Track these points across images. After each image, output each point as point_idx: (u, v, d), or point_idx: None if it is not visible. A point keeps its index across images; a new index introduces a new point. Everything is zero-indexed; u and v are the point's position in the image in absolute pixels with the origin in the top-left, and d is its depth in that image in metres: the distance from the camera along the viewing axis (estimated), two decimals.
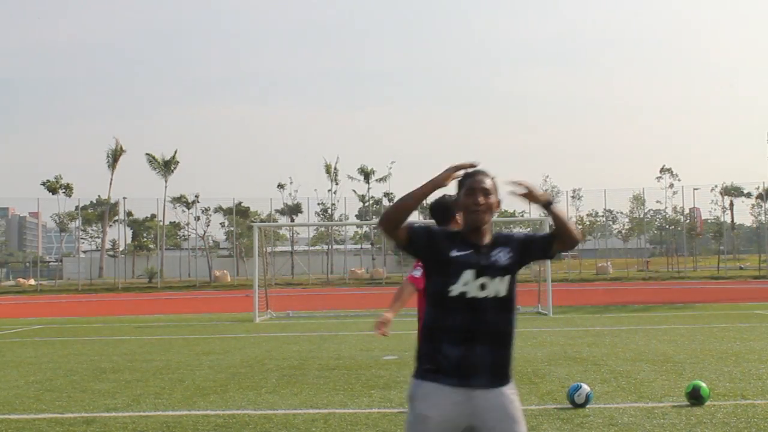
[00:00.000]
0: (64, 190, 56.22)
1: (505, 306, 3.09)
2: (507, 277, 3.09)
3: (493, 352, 3.05)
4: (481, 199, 3.09)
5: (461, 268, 3.04)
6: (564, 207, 73.27)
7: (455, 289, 3.03)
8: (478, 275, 3.04)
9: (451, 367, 3.00)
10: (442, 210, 5.07)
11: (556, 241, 3.17)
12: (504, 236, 3.21)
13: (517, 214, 56.61)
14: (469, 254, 3.06)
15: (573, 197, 55.61)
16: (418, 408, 3.02)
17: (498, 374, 3.06)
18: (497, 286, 3.06)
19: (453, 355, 3.00)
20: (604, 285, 40.41)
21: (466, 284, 3.03)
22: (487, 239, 3.14)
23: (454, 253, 3.07)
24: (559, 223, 3.13)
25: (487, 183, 3.13)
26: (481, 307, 3.03)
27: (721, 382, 8.16)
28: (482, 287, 3.04)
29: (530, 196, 3.11)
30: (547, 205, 3.14)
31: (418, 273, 4.93)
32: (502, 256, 3.12)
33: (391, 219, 3.04)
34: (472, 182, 3.12)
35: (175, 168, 58.96)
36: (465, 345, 3.01)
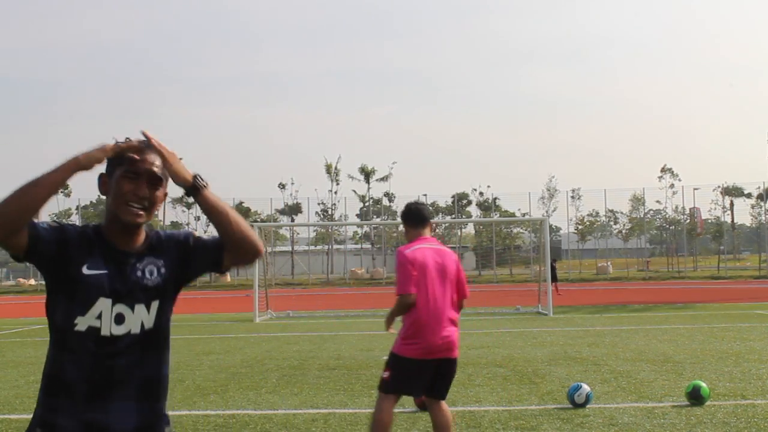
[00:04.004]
0: (63, 190, 56.24)
1: (152, 343, 2.32)
2: (157, 303, 2.29)
3: (139, 410, 2.27)
4: (146, 192, 2.19)
5: (94, 293, 2.17)
6: (564, 207, 72.36)
7: (83, 322, 2.18)
8: (115, 302, 2.20)
9: None
10: (415, 217, 4.65)
11: (225, 249, 2.29)
12: (160, 239, 2.32)
13: (517, 214, 56.51)
14: (107, 273, 2.19)
15: (573, 197, 55.60)
16: None
17: None
18: (142, 316, 2.26)
19: (71, 425, 2.15)
20: (604, 285, 40.44)
21: (99, 316, 2.18)
22: (138, 242, 2.27)
23: (87, 270, 2.17)
24: (218, 220, 2.21)
25: (159, 168, 2.21)
26: (117, 347, 2.21)
27: (721, 382, 8.16)
28: (119, 319, 2.21)
29: (165, 164, 2.19)
30: (192, 190, 2.21)
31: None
32: (153, 271, 2.27)
33: (7, 216, 1.99)
34: (138, 162, 2.17)
35: None
36: (94, 403, 2.18)
